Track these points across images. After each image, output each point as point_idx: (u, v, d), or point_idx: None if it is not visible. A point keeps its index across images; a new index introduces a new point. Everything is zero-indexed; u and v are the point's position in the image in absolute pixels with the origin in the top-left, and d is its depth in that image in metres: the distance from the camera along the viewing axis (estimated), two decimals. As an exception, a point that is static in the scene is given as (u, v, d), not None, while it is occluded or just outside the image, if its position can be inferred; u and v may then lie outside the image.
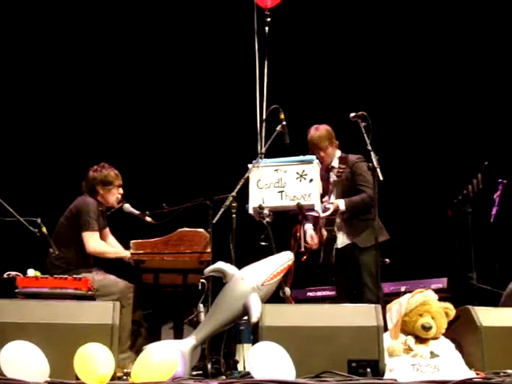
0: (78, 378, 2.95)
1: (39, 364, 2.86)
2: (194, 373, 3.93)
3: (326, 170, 5.22)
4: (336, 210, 5.01)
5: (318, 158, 4.95)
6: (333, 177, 5.17)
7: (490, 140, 6.48)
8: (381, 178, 4.64)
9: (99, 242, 4.83)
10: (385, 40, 7.00)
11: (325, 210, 4.93)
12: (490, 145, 6.34)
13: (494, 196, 5.44)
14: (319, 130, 5.18)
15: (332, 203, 5.00)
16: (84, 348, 2.98)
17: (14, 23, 6.80)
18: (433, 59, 6.98)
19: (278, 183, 4.63)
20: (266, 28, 5.22)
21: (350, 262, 5.11)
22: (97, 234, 4.80)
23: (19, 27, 6.82)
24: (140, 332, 4.78)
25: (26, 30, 6.83)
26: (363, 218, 5.09)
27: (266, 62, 5.18)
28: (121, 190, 5.03)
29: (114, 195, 5.00)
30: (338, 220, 5.10)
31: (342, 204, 5.03)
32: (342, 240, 5.11)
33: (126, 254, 4.77)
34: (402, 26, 6.99)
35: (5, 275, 4.44)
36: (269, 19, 5.25)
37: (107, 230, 5.11)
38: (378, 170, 4.59)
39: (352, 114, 4.94)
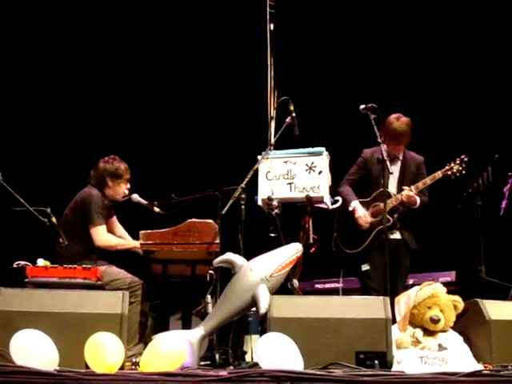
0: (87, 367, 2.97)
1: (48, 352, 2.87)
2: (202, 363, 3.94)
3: (389, 158, 5.09)
4: (411, 203, 5.08)
5: (392, 148, 5.06)
6: (395, 168, 5.13)
7: (501, 133, 6.44)
8: (390, 170, 4.65)
9: (106, 236, 4.84)
10: (395, 31, 6.96)
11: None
12: (500, 138, 6.30)
13: (504, 189, 5.42)
14: (407, 124, 5.14)
15: (413, 195, 5.05)
16: (94, 337, 3.00)
17: (28, 14, 6.82)
18: (444, 50, 6.94)
19: (288, 175, 4.63)
20: (269, 20, 5.17)
21: (391, 256, 4.91)
22: (103, 227, 4.81)
23: (33, 18, 6.83)
24: (147, 323, 4.80)
25: (39, 20, 6.84)
26: (412, 219, 5.20)
27: (271, 55, 5.14)
28: (128, 185, 5.04)
29: (122, 189, 5.00)
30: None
31: (418, 200, 5.11)
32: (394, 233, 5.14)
33: (135, 243, 4.78)
34: (410, 16, 6.95)
35: (14, 265, 4.45)
36: (273, 10, 5.21)
37: (114, 218, 5.12)
38: (388, 162, 4.60)
39: (362, 106, 4.93)
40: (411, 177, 5.15)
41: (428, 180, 5.11)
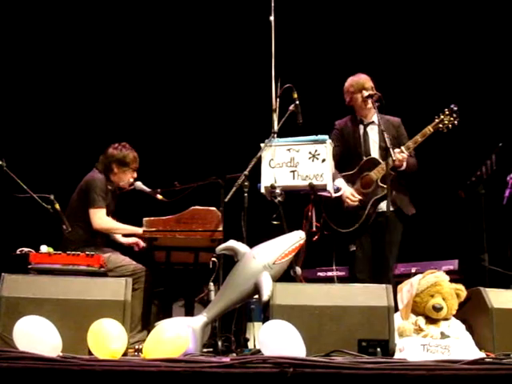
0: (90, 353, 2.99)
1: (52, 338, 2.88)
2: (205, 350, 3.96)
3: (362, 124, 5.13)
4: (400, 165, 4.87)
5: (364, 109, 5.01)
6: (372, 133, 5.08)
7: (505, 121, 6.42)
8: (393, 157, 4.64)
9: (105, 218, 4.84)
10: (398, 16, 6.93)
11: (337, 190, 4.85)
12: (504, 126, 6.28)
13: (508, 178, 5.40)
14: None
15: (406, 156, 4.83)
16: (97, 323, 3.01)
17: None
18: (448, 31, 6.89)
19: (291, 163, 4.61)
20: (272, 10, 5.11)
21: (381, 232, 4.89)
22: (103, 210, 4.82)
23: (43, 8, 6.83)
24: (150, 309, 4.81)
25: (48, 10, 6.83)
26: (404, 184, 5.02)
27: (273, 42, 5.11)
28: (135, 174, 5.04)
29: (128, 177, 5.02)
30: None
31: (405, 162, 4.93)
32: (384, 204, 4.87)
33: (137, 229, 4.78)
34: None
35: (18, 251, 4.47)
36: None
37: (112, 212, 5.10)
38: (391, 150, 4.59)
39: (366, 94, 4.93)
40: (393, 140, 4.82)
41: (419, 137, 4.86)
